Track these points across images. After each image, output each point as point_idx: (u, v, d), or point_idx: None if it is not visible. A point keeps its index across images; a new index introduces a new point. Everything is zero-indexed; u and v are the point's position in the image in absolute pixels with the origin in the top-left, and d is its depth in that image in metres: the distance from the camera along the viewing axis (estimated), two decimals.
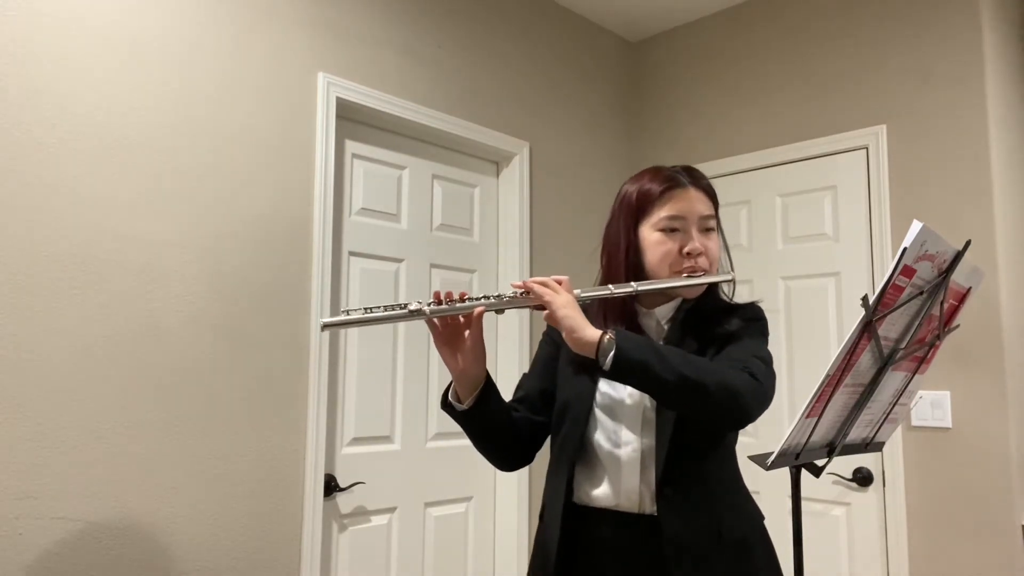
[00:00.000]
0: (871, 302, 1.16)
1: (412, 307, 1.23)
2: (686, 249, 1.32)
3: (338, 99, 2.31)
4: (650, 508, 1.29)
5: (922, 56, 2.60)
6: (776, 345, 2.82)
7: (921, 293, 1.23)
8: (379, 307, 1.24)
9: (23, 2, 1.74)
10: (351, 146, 2.46)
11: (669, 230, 1.33)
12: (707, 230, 1.36)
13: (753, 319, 1.36)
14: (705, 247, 1.34)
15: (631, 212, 1.37)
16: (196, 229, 1.99)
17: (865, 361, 1.25)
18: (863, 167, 2.71)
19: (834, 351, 1.19)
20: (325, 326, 1.23)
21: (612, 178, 3.15)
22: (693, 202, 1.35)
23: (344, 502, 2.33)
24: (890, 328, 1.25)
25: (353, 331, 2.41)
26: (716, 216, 1.39)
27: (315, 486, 2.16)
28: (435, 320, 1.28)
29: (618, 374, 1.17)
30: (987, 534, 2.33)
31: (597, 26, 3.28)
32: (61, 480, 1.72)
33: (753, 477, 2.84)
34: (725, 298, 1.42)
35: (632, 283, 1.30)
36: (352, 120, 2.44)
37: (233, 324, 2.03)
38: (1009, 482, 2.31)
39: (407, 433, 2.52)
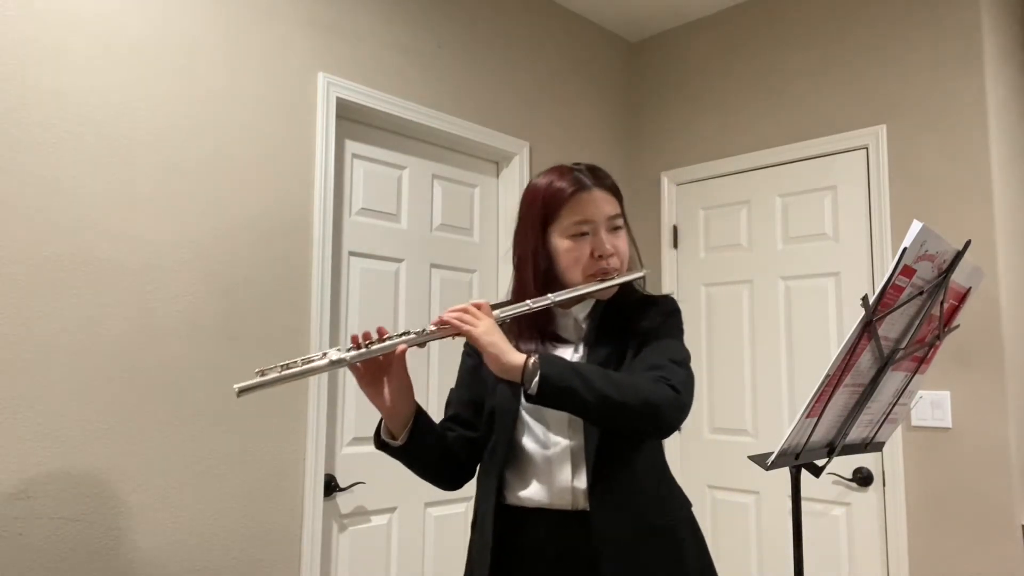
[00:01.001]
0: (871, 302, 1.17)
1: (332, 357, 1.20)
2: (597, 252, 1.34)
3: (338, 99, 2.31)
4: (583, 504, 1.30)
5: (922, 56, 2.60)
6: (776, 345, 2.86)
7: (921, 293, 1.24)
8: (296, 361, 1.20)
9: (23, 2, 1.74)
10: (351, 146, 2.46)
11: (579, 235, 1.34)
12: (615, 229, 1.37)
13: (669, 313, 1.38)
14: (615, 247, 1.35)
15: (539, 218, 1.37)
16: (196, 229, 1.99)
17: (865, 361, 1.25)
18: (863, 167, 2.71)
19: (834, 351, 1.20)
20: (241, 391, 1.17)
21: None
22: (599, 204, 1.35)
23: (344, 502, 2.33)
24: (890, 328, 1.25)
25: (352, 331, 2.41)
26: (622, 214, 1.40)
27: (315, 486, 2.16)
28: (357, 364, 1.26)
29: (543, 399, 1.19)
30: (987, 534, 2.33)
31: (597, 26, 3.28)
32: (61, 480, 1.72)
33: (753, 477, 2.86)
34: (639, 289, 1.44)
35: (549, 295, 1.31)
36: (352, 120, 2.44)
37: (233, 324, 2.03)
38: (1009, 482, 2.31)
39: None
